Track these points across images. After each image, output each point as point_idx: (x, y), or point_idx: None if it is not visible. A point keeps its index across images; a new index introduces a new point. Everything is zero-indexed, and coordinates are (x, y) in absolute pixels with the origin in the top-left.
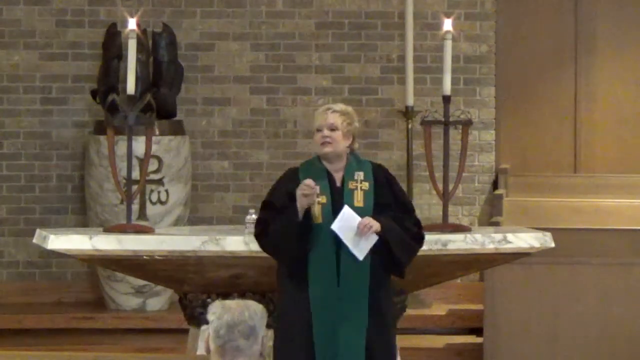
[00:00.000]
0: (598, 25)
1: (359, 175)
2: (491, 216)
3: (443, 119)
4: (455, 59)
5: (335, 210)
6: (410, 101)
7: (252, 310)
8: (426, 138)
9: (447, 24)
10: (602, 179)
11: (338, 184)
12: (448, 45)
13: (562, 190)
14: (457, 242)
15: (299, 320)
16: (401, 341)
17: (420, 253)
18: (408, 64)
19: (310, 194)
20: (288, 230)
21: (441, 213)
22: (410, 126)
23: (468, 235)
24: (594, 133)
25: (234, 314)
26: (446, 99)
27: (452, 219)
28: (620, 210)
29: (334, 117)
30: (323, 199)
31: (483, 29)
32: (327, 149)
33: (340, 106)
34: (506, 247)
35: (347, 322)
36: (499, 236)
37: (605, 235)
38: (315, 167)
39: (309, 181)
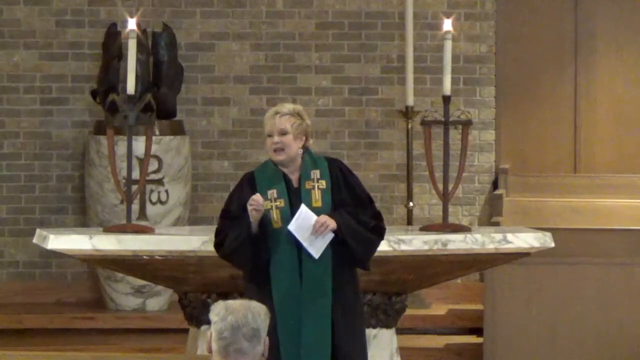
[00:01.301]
0: (598, 25)
1: (315, 173)
2: (491, 216)
3: (443, 119)
4: (455, 59)
5: (293, 213)
6: (410, 101)
7: (255, 312)
8: (426, 138)
9: (447, 24)
10: (602, 179)
11: (295, 185)
12: (448, 45)
13: (562, 190)
14: (457, 242)
15: None
16: (401, 341)
17: (420, 253)
18: (408, 64)
19: (260, 208)
20: (242, 241)
21: (441, 213)
22: (410, 126)
23: (468, 235)
24: (594, 133)
25: (237, 316)
26: (446, 99)
27: (452, 219)
28: (620, 210)
29: (282, 121)
30: (281, 203)
31: (483, 29)
32: (280, 157)
33: (287, 107)
34: (506, 247)
35: (312, 322)
36: (499, 236)
37: (605, 235)
38: (271, 171)
39: (257, 196)
